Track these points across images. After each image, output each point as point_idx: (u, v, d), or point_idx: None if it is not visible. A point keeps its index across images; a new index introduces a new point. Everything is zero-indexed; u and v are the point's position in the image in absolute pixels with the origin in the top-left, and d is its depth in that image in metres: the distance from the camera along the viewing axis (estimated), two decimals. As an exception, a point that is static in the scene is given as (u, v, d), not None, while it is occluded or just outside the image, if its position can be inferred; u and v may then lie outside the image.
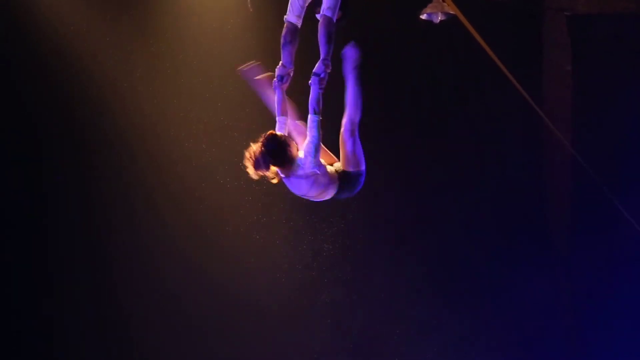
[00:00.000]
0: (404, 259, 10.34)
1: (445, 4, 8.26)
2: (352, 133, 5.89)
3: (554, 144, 10.43)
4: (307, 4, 5.90)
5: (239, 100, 9.36)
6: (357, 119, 5.91)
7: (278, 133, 5.77)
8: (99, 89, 9.44)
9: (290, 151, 5.68)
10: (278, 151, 5.64)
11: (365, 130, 6.05)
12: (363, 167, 5.96)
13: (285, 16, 5.92)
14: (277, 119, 5.90)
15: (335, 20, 5.62)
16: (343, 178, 5.91)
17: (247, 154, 5.64)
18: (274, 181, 5.81)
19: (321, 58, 5.60)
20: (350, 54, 5.88)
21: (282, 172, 5.77)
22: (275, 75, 5.90)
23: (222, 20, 9.54)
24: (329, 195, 5.93)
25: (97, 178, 9.62)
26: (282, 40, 5.88)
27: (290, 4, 5.90)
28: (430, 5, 8.60)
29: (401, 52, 10.06)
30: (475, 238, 10.50)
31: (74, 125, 9.54)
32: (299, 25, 5.90)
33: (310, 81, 5.61)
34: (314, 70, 5.61)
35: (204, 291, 9.79)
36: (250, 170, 5.66)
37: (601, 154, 10.20)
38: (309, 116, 5.61)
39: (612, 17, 10.38)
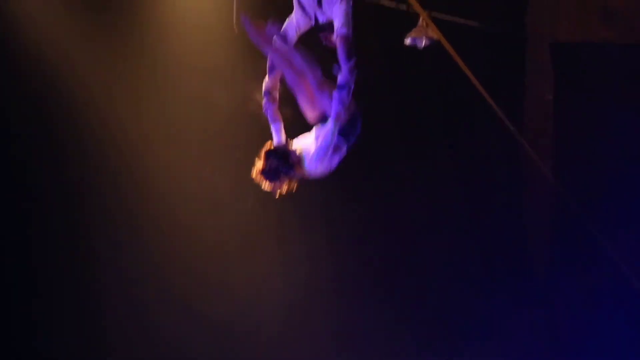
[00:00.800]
0: (384, 292, 10.26)
1: (429, 29, 8.25)
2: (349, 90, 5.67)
3: (535, 173, 10.44)
4: (300, 33, 5.83)
5: (226, 119, 9.28)
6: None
7: (275, 145, 5.73)
8: (80, 112, 9.28)
9: (292, 158, 5.62)
10: (282, 163, 5.58)
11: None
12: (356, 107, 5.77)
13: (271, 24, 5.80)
14: (272, 127, 5.85)
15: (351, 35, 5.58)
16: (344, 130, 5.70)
17: (254, 174, 5.61)
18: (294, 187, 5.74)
19: (344, 70, 5.53)
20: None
21: (297, 175, 5.68)
22: (263, 93, 5.84)
23: (207, 37, 9.46)
24: (344, 151, 5.76)
25: (81, 207, 9.43)
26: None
27: (285, 27, 5.81)
28: (414, 30, 8.58)
29: (384, 76, 10.04)
30: (454, 269, 10.44)
31: (56, 150, 9.30)
32: (284, 49, 5.77)
33: (334, 92, 5.53)
34: (338, 82, 5.51)
35: (192, 323, 9.62)
36: (267, 186, 5.62)
37: (582, 183, 10.22)
38: (330, 122, 5.53)
39: (594, 46, 10.45)
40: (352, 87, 5.54)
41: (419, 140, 10.37)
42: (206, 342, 9.62)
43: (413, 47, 8.67)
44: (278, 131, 5.82)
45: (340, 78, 5.50)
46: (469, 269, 10.43)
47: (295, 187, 5.72)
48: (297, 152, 5.65)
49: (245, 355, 9.74)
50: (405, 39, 8.62)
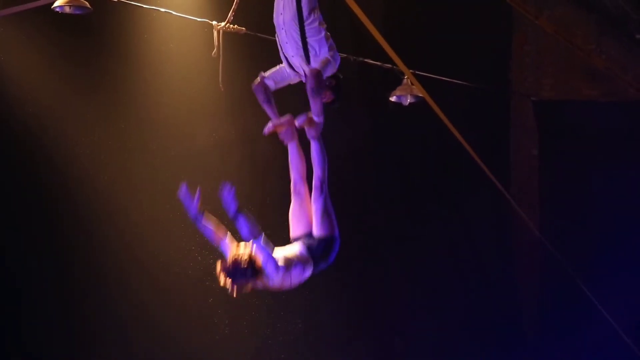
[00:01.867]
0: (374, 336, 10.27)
1: (414, 87, 8.39)
2: (322, 190, 5.87)
3: (522, 228, 10.49)
4: (289, 83, 6.00)
5: (208, 159, 9.37)
6: (324, 175, 5.89)
7: (239, 257, 5.55)
8: (58, 151, 9.27)
9: (256, 266, 5.54)
10: (243, 273, 5.50)
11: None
12: (337, 231, 5.89)
13: (262, 73, 5.97)
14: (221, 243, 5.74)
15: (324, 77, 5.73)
16: (314, 253, 5.80)
17: (219, 278, 5.55)
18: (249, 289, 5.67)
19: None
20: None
21: (258, 285, 5.64)
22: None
23: (190, 70, 9.50)
24: (308, 274, 5.81)
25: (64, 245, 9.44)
26: (258, 97, 5.92)
27: (276, 70, 5.96)
28: (399, 87, 8.74)
29: (369, 132, 10.18)
30: (445, 321, 10.46)
31: (38, 191, 9.33)
32: (272, 89, 5.95)
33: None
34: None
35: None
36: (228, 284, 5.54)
37: (568, 237, 10.29)
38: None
39: (577, 104, 10.61)
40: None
41: (404, 197, 10.46)
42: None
43: (398, 104, 8.85)
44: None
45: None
46: (461, 320, 10.46)
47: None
48: (258, 263, 5.56)
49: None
50: (391, 97, 8.80)
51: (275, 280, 5.58)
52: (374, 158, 10.32)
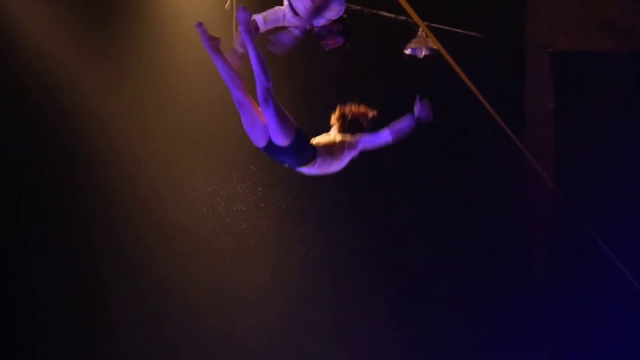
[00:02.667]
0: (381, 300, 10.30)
1: (429, 39, 8.33)
2: (265, 100, 5.57)
3: (536, 180, 10.47)
4: (282, 25, 5.94)
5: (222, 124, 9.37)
6: (268, 84, 5.56)
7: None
8: (79, 117, 9.30)
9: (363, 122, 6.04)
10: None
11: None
12: (296, 130, 5.72)
13: (254, 15, 5.88)
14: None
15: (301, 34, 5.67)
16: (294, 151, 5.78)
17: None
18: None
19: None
20: (241, 16, 5.57)
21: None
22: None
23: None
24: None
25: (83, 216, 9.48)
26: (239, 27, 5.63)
27: (269, 11, 5.94)
28: (414, 40, 8.67)
29: (384, 85, 10.12)
30: (455, 275, 10.49)
31: (55, 154, 9.39)
32: (260, 30, 5.88)
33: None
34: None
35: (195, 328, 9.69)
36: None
37: (582, 190, 10.27)
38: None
39: (593, 55, 10.51)
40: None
41: (418, 150, 10.42)
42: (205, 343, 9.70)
43: (413, 57, 8.78)
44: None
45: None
46: (471, 273, 10.49)
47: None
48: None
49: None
50: (405, 49, 8.73)
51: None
52: (385, 110, 10.26)
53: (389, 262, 10.39)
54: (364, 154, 6.18)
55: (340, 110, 6.18)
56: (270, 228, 9.92)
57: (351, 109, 6.19)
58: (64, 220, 9.38)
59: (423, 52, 8.70)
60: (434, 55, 8.56)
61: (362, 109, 6.23)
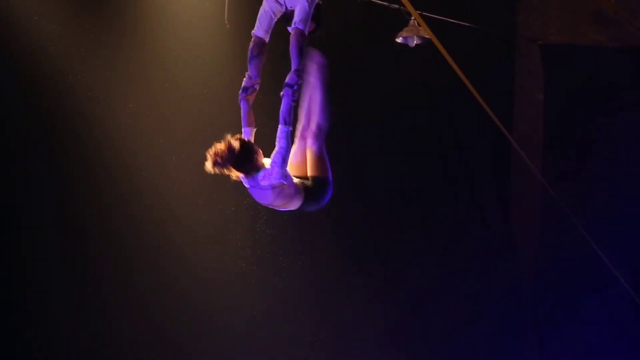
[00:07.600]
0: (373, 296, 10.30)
1: (420, 28, 8.31)
2: (317, 138, 5.87)
3: (524, 172, 10.49)
4: (276, 19, 5.95)
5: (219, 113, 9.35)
6: (325, 125, 5.90)
7: (246, 139, 5.75)
8: (78, 110, 9.26)
9: (256, 159, 5.66)
10: (244, 157, 5.60)
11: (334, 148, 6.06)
12: (330, 177, 5.94)
13: (253, 31, 5.97)
14: (243, 130, 5.89)
15: (307, 33, 5.66)
16: (309, 188, 5.89)
17: (210, 151, 5.59)
18: (233, 178, 5.75)
19: (293, 69, 5.62)
20: (316, 58, 5.88)
21: (246, 180, 5.74)
22: (241, 87, 5.91)
23: (201, 32, 9.48)
24: (293, 206, 5.89)
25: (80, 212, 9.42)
26: (249, 54, 5.91)
27: (259, 19, 5.96)
28: (406, 29, 8.66)
29: (375, 74, 10.10)
30: (441, 265, 10.50)
31: (53, 147, 9.30)
32: (267, 40, 5.95)
33: (282, 92, 5.61)
34: (286, 81, 5.61)
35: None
36: (209, 164, 5.60)
37: (570, 182, 10.29)
38: (279, 127, 5.57)
39: (584, 48, 10.51)
40: (298, 88, 5.61)
41: (407, 138, 10.43)
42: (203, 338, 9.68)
43: (404, 46, 8.78)
44: (248, 137, 5.86)
45: (288, 76, 5.62)
46: (457, 266, 10.51)
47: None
48: (262, 159, 5.69)
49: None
50: (397, 38, 8.72)
51: (271, 176, 5.60)
52: (376, 98, 10.27)
53: (372, 256, 10.38)
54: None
55: (218, 170, 5.65)
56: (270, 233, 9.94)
57: (220, 156, 5.60)
58: (60, 220, 9.31)
59: (415, 41, 8.69)
60: (425, 44, 8.56)
61: (224, 145, 5.62)
